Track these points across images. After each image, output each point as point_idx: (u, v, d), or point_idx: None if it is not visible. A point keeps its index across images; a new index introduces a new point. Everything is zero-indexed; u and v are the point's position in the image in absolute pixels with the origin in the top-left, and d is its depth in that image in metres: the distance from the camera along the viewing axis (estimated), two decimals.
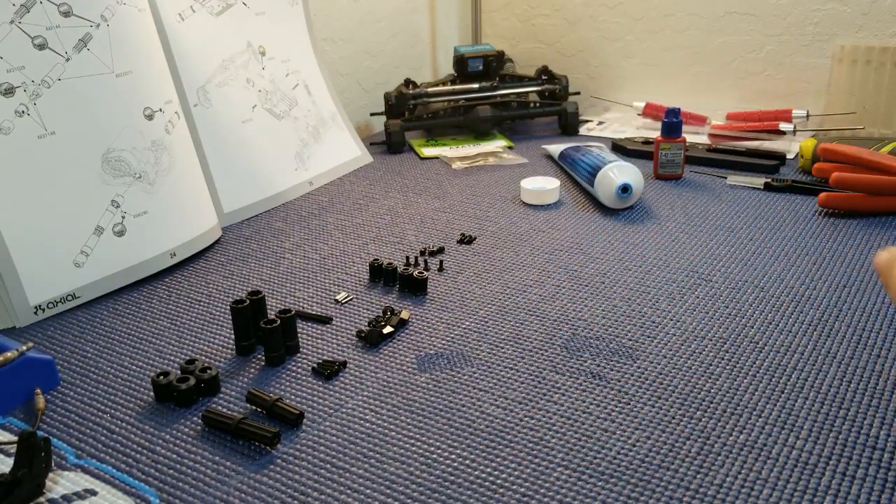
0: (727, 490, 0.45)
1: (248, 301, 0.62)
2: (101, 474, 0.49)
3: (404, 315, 0.66)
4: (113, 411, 0.56)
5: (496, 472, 0.48)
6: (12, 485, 0.45)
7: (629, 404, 0.54)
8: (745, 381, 0.56)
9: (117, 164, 0.75)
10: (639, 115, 1.29)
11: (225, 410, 0.54)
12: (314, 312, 0.69)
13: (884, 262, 0.48)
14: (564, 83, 1.28)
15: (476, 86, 1.25)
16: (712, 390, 0.55)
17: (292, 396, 0.57)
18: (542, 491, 0.46)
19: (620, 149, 1.14)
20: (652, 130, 1.23)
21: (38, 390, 0.57)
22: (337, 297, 0.71)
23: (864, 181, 0.84)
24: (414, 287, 0.72)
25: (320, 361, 0.60)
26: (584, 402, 0.54)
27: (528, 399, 0.55)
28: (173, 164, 0.81)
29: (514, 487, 0.46)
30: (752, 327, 0.63)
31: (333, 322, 0.67)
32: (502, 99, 1.25)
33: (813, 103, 1.20)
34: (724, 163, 1.05)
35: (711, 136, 1.17)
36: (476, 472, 0.48)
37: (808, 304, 0.67)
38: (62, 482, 0.48)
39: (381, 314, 0.68)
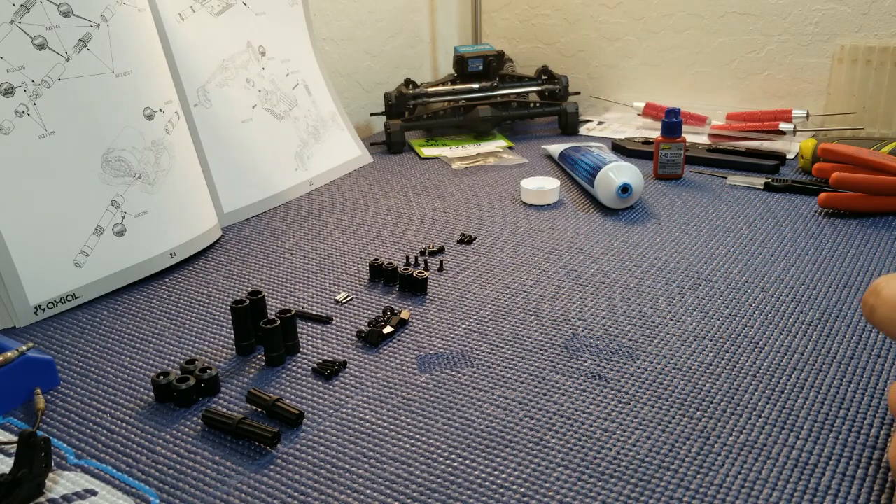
0: (727, 490, 0.45)
1: (248, 301, 0.62)
2: (101, 474, 0.49)
3: (404, 315, 0.66)
4: (113, 411, 0.56)
5: (496, 472, 0.48)
6: (12, 485, 0.46)
7: (629, 404, 0.54)
8: (745, 381, 0.56)
9: (117, 164, 0.75)
10: (639, 115, 1.29)
11: (225, 410, 0.54)
12: (314, 312, 0.69)
13: None
14: (564, 83, 1.28)
15: (476, 86, 1.25)
16: (712, 390, 0.55)
17: (292, 396, 0.57)
18: (542, 491, 0.46)
19: (620, 149, 1.14)
20: (652, 130, 1.23)
21: (38, 390, 0.57)
22: (337, 297, 0.71)
23: (864, 181, 0.84)
24: (414, 287, 0.72)
25: (320, 361, 0.60)
26: (584, 402, 0.54)
27: (528, 399, 0.55)
28: (173, 164, 0.81)
29: (514, 487, 0.46)
30: (752, 327, 0.63)
31: (333, 322, 0.67)
32: (502, 99, 1.25)
33: (813, 103, 1.20)
34: (724, 163, 1.05)
35: (711, 136, 1.17)
36: (476, 472, 0.48)
37: (808, 304, 0.67)
38: (62, 482, 0.48)
39: (381, 314, 0.68)
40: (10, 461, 0.50)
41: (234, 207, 0.91)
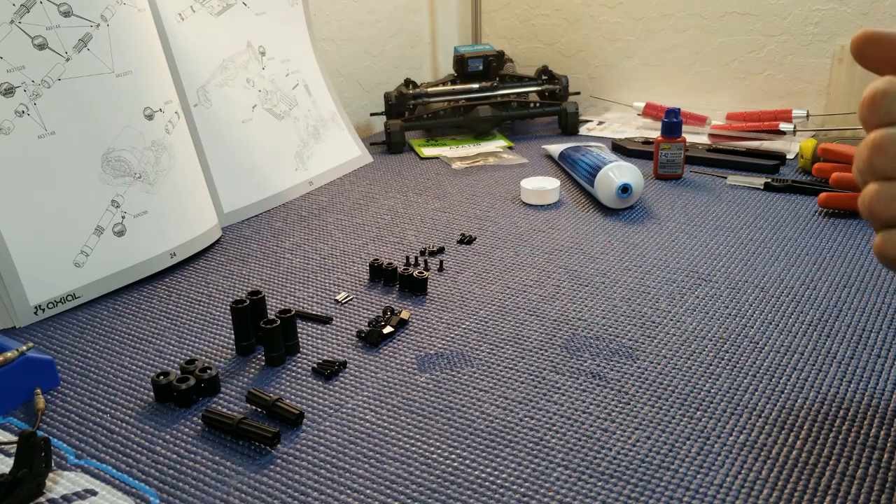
0: (727, 490, 0.45)
1: (248, 301, 0.62)
2: (101, 474, 0.49)
3: (404, 315, 0.66)
4: (113, 411, 0.56)
5: (496, 472, 0.48)
6: (12, 485, 0.46)
7: (629, 404, 0.54)
8: (745, 381, 0.56)
9: (117, 164, 0.75)
10: (639, 115, 1.29)
11: (225, 410, 0.54)
12: (314, 312, 0.69)
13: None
14: (564, 83, 1.28)
15: (476, 86, 1.25)
16: (712, 390, 0.55)
17: (292, 396, 0.57)
18: (542, 491, 0.46)
19: (620, 149, 1.14)
20: (652, 130, 1.23)
21: (38, 390, 0.57)
22: (337, 297, 0.71)
23: None
24: (414, 287, 0.72)
25: (320, 361, 0.60)
26: (584, 402, 0.54)
27: (528, 399, 0.55)
28: (173, 164, 0.81)
29: (514, 487, 0.46)
30: (752, 327, 0.63)
31: (333, 322, 0.67)
32: (502, 99, 1.25)
33: (813, 103, 1.20)
34: (724, 163, 1.05)
35: (711, 136, 1.17)
36: (476, 472, 0.48)
37: (808, 304, 0.67)
38: (62, 482, 0.48)
39: (381, 314, 0.68)
40: (10, 461, 0.50)
41: (234, 207, 0.91)
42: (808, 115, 1.15)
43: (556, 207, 0.92)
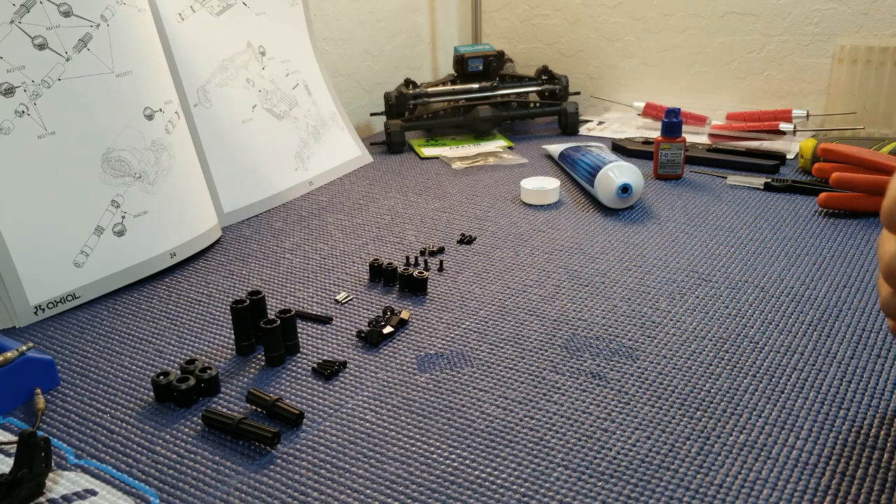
0: (727, 490, 0.45)
1: (248, 301, 0.62)
2: (101, 474, 0.49)
3: (404, 315, 0.66)
4: (113, 411, 0.56)
5: (496, 472, 0.48)
6: (12, 485, 0.46)
7: (629, 404, 0.54)
8: (745, 381, 0.56)
9: (117, 164, 0.75)
10: (639, 115, 1.29)
11: (225, 410, 0.54)
12: (314, 312, 0.69)
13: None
14: (564, 83, 1.28)
15: (476, 86, 1.25)
16: (712, 390, 0.55)
17: (292, 396, 0.57)
18: (542, 491, 0.46)
19: (620, 149, 1.14)
20: (652, 130, 1.23)
21: (38, 390, 0.57)
22: (337, 297, 0.71)
23: (864, 181, 0.84)
24: (414, 287, 0.72)
25: (320, 361, 0.60)
26: (584, 402, 0.54)
27: (528, 399, 0.55)
28: (173, 164, 0.81)
29: (514, 487, 0.46)
30: (752, 327, 0.63)
31: (333, 322, 0.67)
32: (502, 99, 1.25)
33: (813, 103, 1.20)
34: (724, 163, 1.05)
35: (711, 136, 1.17)
36: (476, 472, 0.48)
37: (808, 304, 0.67)
38: (62, 482, 0.48)
39: (381, 314, 0.68)
40: (10, 461, 0.50)
41: (234, 207, 0.91)
42: (808, 115, 1.15)
43: (556, 207, 0.92)
